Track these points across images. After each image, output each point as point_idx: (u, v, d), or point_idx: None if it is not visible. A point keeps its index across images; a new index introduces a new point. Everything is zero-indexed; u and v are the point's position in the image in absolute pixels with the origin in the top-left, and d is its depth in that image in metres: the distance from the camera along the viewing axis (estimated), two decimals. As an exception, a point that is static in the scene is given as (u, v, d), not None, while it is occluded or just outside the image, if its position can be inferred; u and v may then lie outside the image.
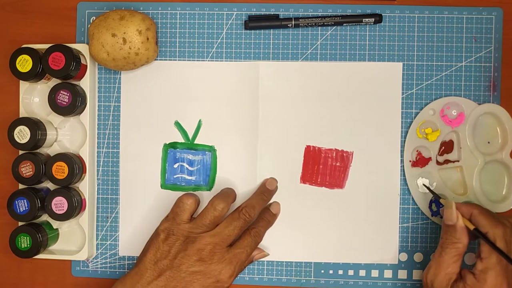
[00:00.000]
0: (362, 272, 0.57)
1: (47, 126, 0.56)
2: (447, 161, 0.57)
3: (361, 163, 0.57)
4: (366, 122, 0.57)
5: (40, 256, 0.56)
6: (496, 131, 0.57)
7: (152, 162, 0.58)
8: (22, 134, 0.54)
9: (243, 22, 0.57)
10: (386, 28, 0.57)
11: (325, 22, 0.56)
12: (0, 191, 0.59)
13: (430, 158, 0.57)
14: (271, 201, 0.56)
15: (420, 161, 0.57)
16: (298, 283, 0.58)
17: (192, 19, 0.58)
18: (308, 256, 0.57)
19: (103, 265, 0.58)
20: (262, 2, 0.58)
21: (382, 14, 0.57)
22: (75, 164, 0.55)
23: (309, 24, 0.56)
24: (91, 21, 0.58)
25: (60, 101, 0.55)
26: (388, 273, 0.57)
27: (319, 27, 0.57)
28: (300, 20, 0.56)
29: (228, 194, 0.54)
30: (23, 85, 0.57)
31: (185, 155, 0.58)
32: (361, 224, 0.57)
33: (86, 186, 0.57)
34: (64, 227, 0.58)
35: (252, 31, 0.58)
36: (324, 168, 0.57)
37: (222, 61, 0.58)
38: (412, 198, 0.57)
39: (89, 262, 0.58)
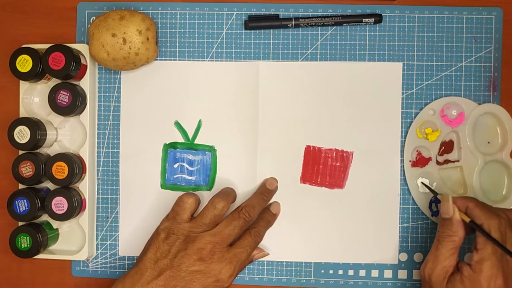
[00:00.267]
0: (362, 272, 0.57)
1: (47, 126, 0.56)
2: (447, 161, 0.57)
3: (361, 163, 0.57)
4: (366, 122, 0.57)
5: (40, 256, 0.56)
6: (496, 131, 0.57)
7: (152, 162, 0.58)
8: (22, 134, 0.54)
9: (243, 22, 0.57)
10: (386, 28, 0.57)
11: (325, 22, 0.56)
12: (0, 191, 0.59)
13: (430, 158, 0.57)
14: (271, 201, 0.56)
15: (420, 161, 0.57)
16: (298, 283, 0.58)
17: (192, 19, 0.58)
18: (308, 256, 0.57)
19: (103, 265, 0.58)
20: (262, 2, 0.58)
21: (382, 14, 0.57)
22: (75, 164, 0.55)
23: (309, 24, 0.56)
24: (91, 21, 0.58)
25: (60, 101, 0.55)
26: (388, 273, 0.57)
27: (319, 27, 0.57)
28: (300, 20, 0.56)
29: (228, 193, 0.54)
30: (23, 85, 0.57)
31: (185, 155, 0.58)
32: (361, 224, 0.57)
33: (86, 186, 0.57)
34: (64, 227, 0.58)
35: (252, 31, 0.58)
36: (324, 168, 0.57)
37: (222, 61, 0.58)
38: (412, 198, 0.57)
39: (89, 262, 0.58)
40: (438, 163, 0.57)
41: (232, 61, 0.58)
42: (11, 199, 0.55)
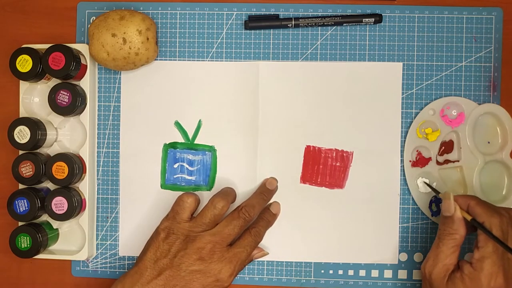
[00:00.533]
0: (362, 272, 0.57)
1: (47, 126, 0.56)
2: (447, 161, 0.57)
3: (361, 163, 0.57)
4: (366, 122, 0.57)
5: (40, 256, 0.56)
6: (496, 131, 0.57)
7: (152, 162, 0.58)
8: (22, 134, 0.54)
9: (243, 22, 0.57)
10: (386, 28, 0.57)
11: (325, 22, 0.56)
12: (0, 191, 0.59)
13: (430, 158, 0.57)
14: (271, 201, 0.56)
15: (420, 161, 0.57)
16: (298, 283, 0.57)
17: (192, 19, 0.58)
18: (308, 256, 0.57)
19: (103, 265, 0.58)
20: (262, 2, 0.58)
21: (382, 14, 0.57)
22: (75, 164, 0.55)
23: (309, 24, 0.56)
24: (91, 21, 0.58)
25: (60, 101, 0.55)
26: (388, 273, 0.57)
27: (319, 27, 0.57)
28: (300, 20, 0.56)
29: (228, 193, 0.54)
30: (23, 85, 0.57)
31: (185, 155, 0.58)
32: (361, 224, 0.57)
33: (86, 186, 0.57)
34: (64, 227, 0.58)
35: (252, 31, 0.58)
36: (324, 168, 0.57)
37: (222, 61, 0.58)
38: (412, 198, 0.57)
39: (89, 262, 0.58)
40: (438, 163, 0.57)
41: (232, 61, 0.58)
42: (11, 199, 0.55)
